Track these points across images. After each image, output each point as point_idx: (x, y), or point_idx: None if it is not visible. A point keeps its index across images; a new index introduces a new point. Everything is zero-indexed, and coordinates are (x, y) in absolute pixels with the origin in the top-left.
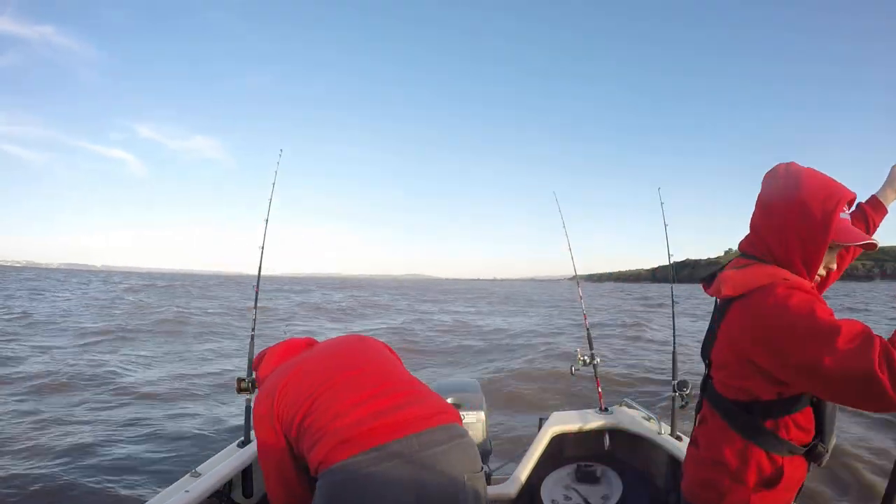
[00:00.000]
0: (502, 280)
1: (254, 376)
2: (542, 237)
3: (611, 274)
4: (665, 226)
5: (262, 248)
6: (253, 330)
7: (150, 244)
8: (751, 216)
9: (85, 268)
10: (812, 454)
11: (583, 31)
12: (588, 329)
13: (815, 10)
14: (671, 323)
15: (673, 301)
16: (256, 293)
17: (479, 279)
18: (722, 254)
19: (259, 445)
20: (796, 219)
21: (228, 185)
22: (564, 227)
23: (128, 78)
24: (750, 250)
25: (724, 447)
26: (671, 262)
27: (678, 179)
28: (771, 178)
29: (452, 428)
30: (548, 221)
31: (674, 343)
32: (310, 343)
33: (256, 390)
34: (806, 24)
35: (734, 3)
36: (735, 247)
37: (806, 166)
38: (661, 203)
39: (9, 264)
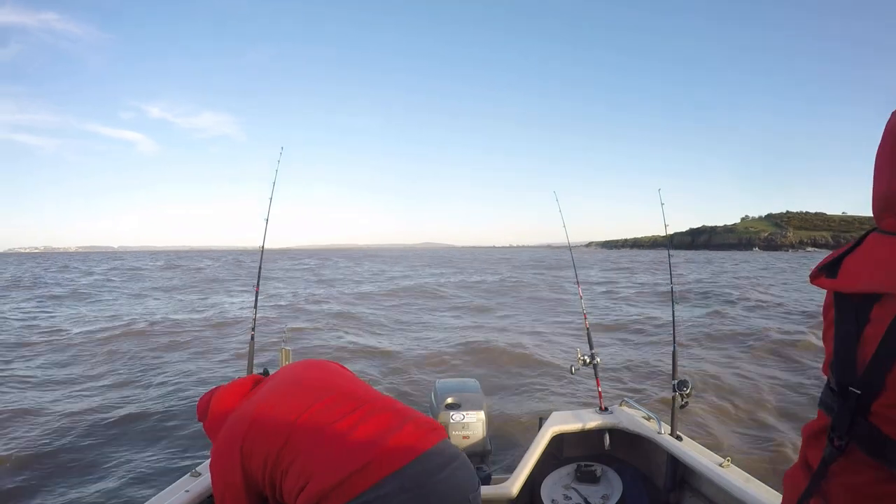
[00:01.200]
0: (518, 247)
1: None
2: (550, 204)
3: (626, 241)
4: (665, 226)
5: (262, 248)
6: (253, 330)
7: (164, 223)
8: (890, 177)
9: (102, 250)
10: None
11: None
12: (588, 329)
13: (815, 9)
14: (671, 323)
15: (673, 301)
16: (256, 293)
17: (494, 246)
18: (738, 220)
19: (216, 491)
20: None
21: (240, 159)
22: (564, 227)
23: (134, 59)
24: None
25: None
26: (671, 261)
27: (693, 146)
28: None
29: (447, 447)
30: (563, 186)
31: (674, 343)
32: (256, 380)
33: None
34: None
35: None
36: (750, 214)
37: None
38: (662, 204)
39: (27, 251)
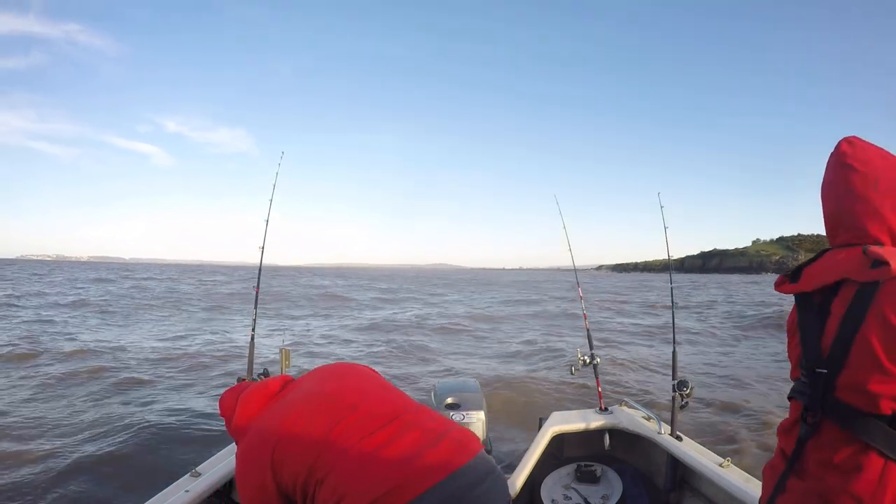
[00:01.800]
0: (528, 269)
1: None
2: (567, 226)
3: (636, 264)
4: (665, 228)
5: (262, 248)
6: (253, 330)
7: (176, 236)
8: (836, 199)
9: (114, 261)
10: None
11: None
12: (588, 329)
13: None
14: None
15: (673, 302)
16: (256, 293)
17: (504, 269)
18: (749, 244)
19: (243, 493)
20: None
21: (254, 174)
22: (564, 227)
23: (153, 73)
24: (853, 238)
25: (858, 475)
26: (671, 262)
27: (703, 171)
28: (858, 150)
29: (483, 461)
30: (572, 210)
31: (674, 343)
32: (286, 381)
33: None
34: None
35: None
36: (762, 237)
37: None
38: (661, 207)
39: (39, 258)
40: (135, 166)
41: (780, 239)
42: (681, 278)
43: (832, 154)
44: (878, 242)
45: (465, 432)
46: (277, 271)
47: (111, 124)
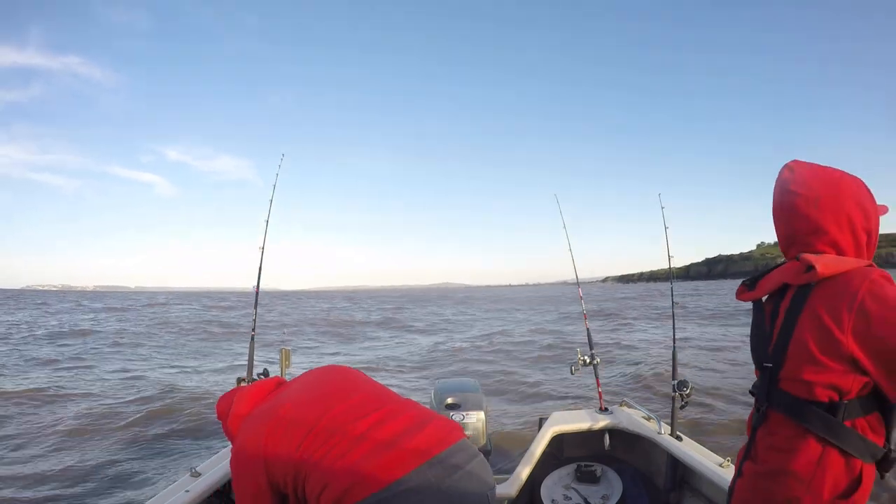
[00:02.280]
0: (534, 285)
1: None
2: (571, 240)
3: (641, 274)
4: (665, 228)
5: (263, 248)
6: (253, 330)
7: (181, 263)
8: (785, 221)
9: (119, 289)
10: (885, 461)
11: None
12: (588, 329)
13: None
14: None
15: (673, 302)
16: (257, 293)
17: (510, 285)
18: (754, 248)
19: (238, 491)
20: (854, 204)
21: (257, 201)
22: (565, 227)
23: (155, 103)
24: (806, 251)
25: (797, 456)
26: (671, 263)
27: (703, 178)
28: (797, 174)
29: (466, 447)
30: (576, 224)
31: (674, 343)
32: (279, 382)
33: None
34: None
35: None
36: (767, 240)
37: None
38: (662, 207)
39: (45, 288)
40: (138, 195)
41: None
42: (685, 286)
43: (776, 181)
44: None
45: (448, 421)
46: (285, 296)
47: (113, 155)
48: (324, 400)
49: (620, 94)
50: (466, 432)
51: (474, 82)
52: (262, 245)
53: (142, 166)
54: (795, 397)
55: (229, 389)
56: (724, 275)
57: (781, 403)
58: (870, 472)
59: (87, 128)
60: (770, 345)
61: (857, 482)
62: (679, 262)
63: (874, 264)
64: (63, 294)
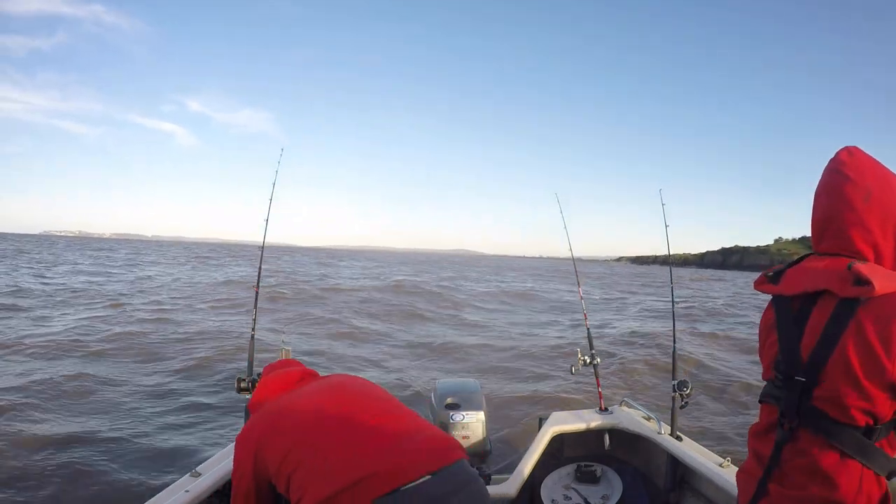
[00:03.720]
0: (548, 257)
1: (253, 378)
2: (585, 217)
3: (656, 257)
4: (666, 227)
5: (262, 248)
6: (253, 330)
7: (197, 214)
8: (828, 205)
9: (136, 238)
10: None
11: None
12: (588, 329)
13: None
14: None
15: (673, 302)
16: (257, 293)
17: (524, 256)
18: (771, 242)
19: (233, 470)
20: None
21: (276, 155)
22: (566, 228)
23: (177, 54)
24: (838, 248)
25: (840, 484)
26: (671, 263)
27: (729, 166)
28: (855, 160)
29: (463, 469)
30: (595, 201)
31: (674, 343)
32: (303, 376)
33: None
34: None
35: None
36: (785, 236)
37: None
38: (663, 204)
39: (61, 234)
40: (158, 145)
41: (803, 238)
42: (695, 273)
43: (830, 161)
44: (861, 255)
45: (447, 439)
46: (300, 252)
47: (136, 104)
48: (326, 407)
49: (662, 65)
50: (466, 432)
51: (507, 47)
52: (261, 245)
53: (163, 116)
54: (831, 417)
55: (235, 385)
56: (738, 266)
57: (816, 423)
58: (888, 485)
59: (111, 76)
60: (801, 355)
61: (885, 497)
62: (696, 247)
63: None
64: (82, 241)
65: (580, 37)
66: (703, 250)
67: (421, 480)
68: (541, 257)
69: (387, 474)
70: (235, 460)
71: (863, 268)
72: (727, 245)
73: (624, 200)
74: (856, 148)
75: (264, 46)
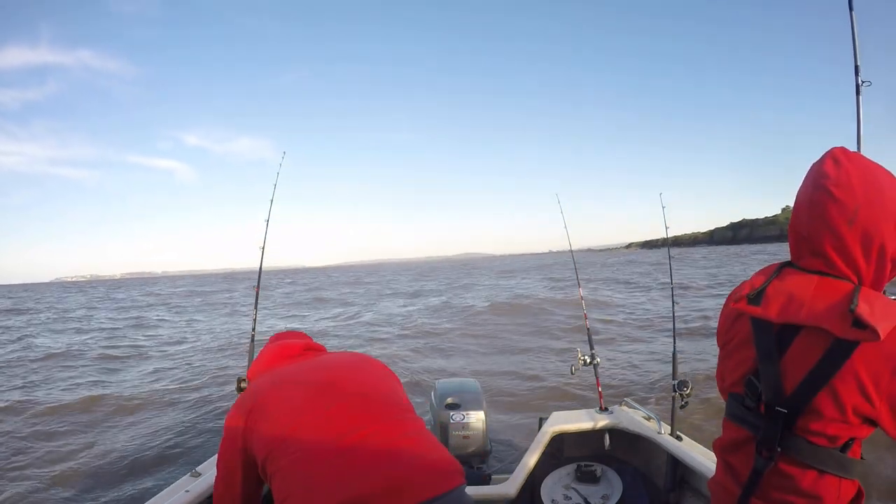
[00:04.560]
0: (557, 252)
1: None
2: (595, 205)
3: (665, 240)
4: (666, 228)
5: (263, 248)
6: (253, 330)
7: (204, 246)
8: (809, 224)
9: (147, 276)
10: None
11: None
12: (588, 329)
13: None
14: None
15: (673, 302)
16: (257, 294)
17: (533, 253)
18: (779, 211)
19: (219, 453)
20: (893, 226)
21: (273, 179)
22: (566, 228)
23: (169, 91)
24: (819, 266)
25: (821, 493)
26: (671, 263)
27: (729, 132)
28: (842, 172)
29: (458, 498)
30: (602, 189)
31: (674, 343)
32: (307, 347)
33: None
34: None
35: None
36: (791, 204)
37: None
38: (663, 207)
39: (73, 280)
40: (158, 183)
41: None
42: (708, 251)
43: (814, 168)
44: (845, 276)
45: (450, 462)
46: (310, 273)
47: (131, 144)
48: (326, 394)
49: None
50: (466, 432)
51: (502, 51)
52: (262, 245)
53: (160, 153)
54: (815, 445)
55: (235, 385)
56: (749, 239)
57: (798, 450)
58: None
59: (104, 119)
60: (784, 386)
61: (859, 494)
62: (705, 225)
63: None
64: (93, 285)
65: (575, 25)
66: (713, 227)
67: None
68: (550, 252)
69: (379, 497)
70: (226, 425)
71: (864, 310)
72: (735, 219)
73: (629, 186)
74: (843, 152)
75: (255, 72)
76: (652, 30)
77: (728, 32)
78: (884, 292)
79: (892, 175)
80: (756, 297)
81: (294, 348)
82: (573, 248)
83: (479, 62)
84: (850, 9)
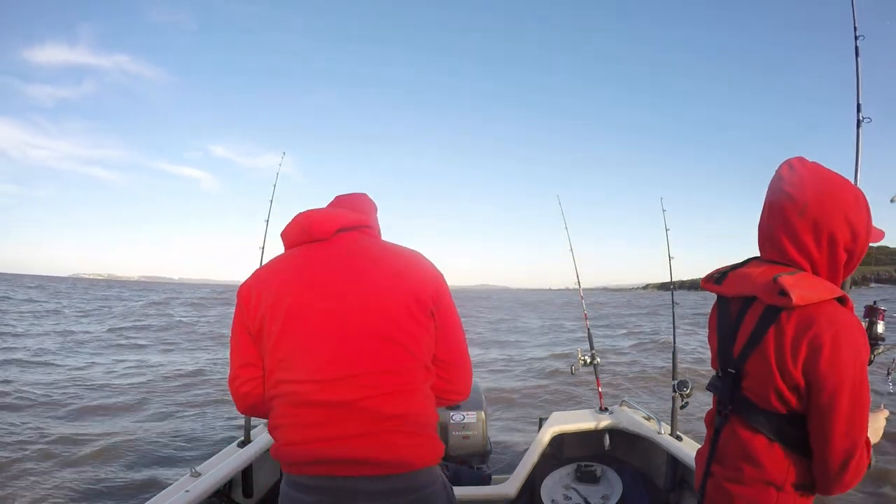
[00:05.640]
0: (574, 289)
1: None
2: (611, 243)
3: (683, 282)
4: (666, 230)
5: (263, 248)
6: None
7: (224, 257)
8: (769, 220)
9: (164, 281)
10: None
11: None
12: (589, 329)
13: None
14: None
15: (673, 303)
16: None
17: (550, 289)
18: None
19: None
20: (842, 220)
21: (297, 197)
22: (567, 229)
23: (201, 101)
24: (776, 256)
25: (765, 461)
26: (671, 264)
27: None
28: (795, 174)
29: (401, 485)
30: (618, 229)
31: (674, 343)
32: (317, 235)
33: None
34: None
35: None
36: None
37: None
38: (664, 210)
39: (91, 277)
40: (184, 191)
41: None
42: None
43: (774, 176)
44: (798, 265)
45: (401, 441)
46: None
47: (162, 151)
48: (322, 339)
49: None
50: (466, 432)
51: (529, 81)
52: (262, 245)
53: (188, 162)
54: (757, 405)
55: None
56: None
57: (744, 409)
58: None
59: (138, 124)
60: (733, 350)
61: (812, 480)
62: (714, 264)
63: (847, 296)
64: (109, 284)
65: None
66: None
67: (330, 478)
68: (567, 289)
69: (312, 451)
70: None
71: (788, 280)
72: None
73: (644, 227)
74: (798, 160)
75: (286, 89)
76: (685, 93)
77: (750, 82)
78: (845, 286)
79: (846, 180)
80: (720, 278)
81: (305, 230)
82: (586, 286)
83: (512, 96)
84: (857, 55)
